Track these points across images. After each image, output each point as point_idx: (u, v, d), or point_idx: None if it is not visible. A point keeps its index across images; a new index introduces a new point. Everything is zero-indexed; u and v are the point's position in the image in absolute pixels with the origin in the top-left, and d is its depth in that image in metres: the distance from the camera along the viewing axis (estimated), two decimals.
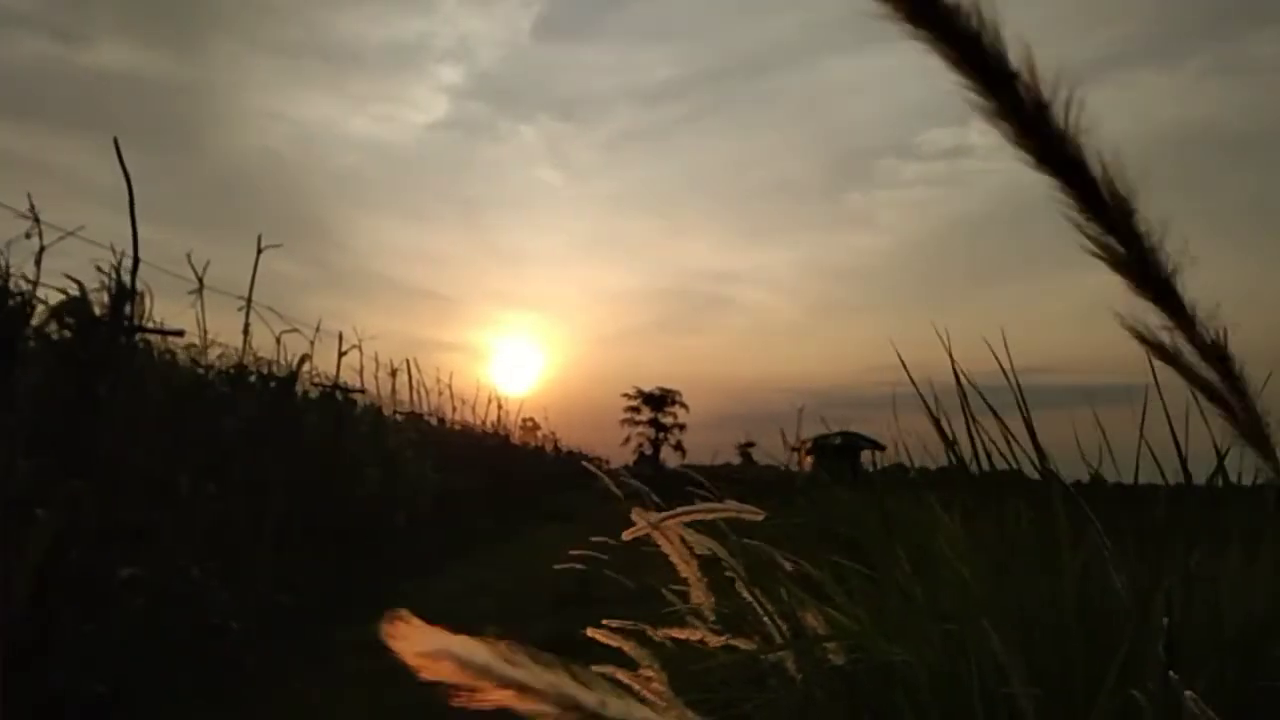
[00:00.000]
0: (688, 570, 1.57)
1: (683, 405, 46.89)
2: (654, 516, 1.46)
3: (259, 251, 5.75)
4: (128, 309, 4.05)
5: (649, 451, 46.54)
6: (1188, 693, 0.67)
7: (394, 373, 9.67)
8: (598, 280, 51.16)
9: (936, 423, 1.58)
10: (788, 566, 1.83)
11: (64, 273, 3.92)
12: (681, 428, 47.23)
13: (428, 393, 11.26)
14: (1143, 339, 0.48)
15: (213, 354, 5.42)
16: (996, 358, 1.50)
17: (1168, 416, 1.35)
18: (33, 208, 3.83)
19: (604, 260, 50.42)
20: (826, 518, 2.57)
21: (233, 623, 4.18)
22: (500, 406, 16.12)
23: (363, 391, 8.12)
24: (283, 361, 6.20)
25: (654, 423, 47.39)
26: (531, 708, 0.32)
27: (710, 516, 1.48)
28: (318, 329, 6.82)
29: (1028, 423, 1.46)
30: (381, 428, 8.33)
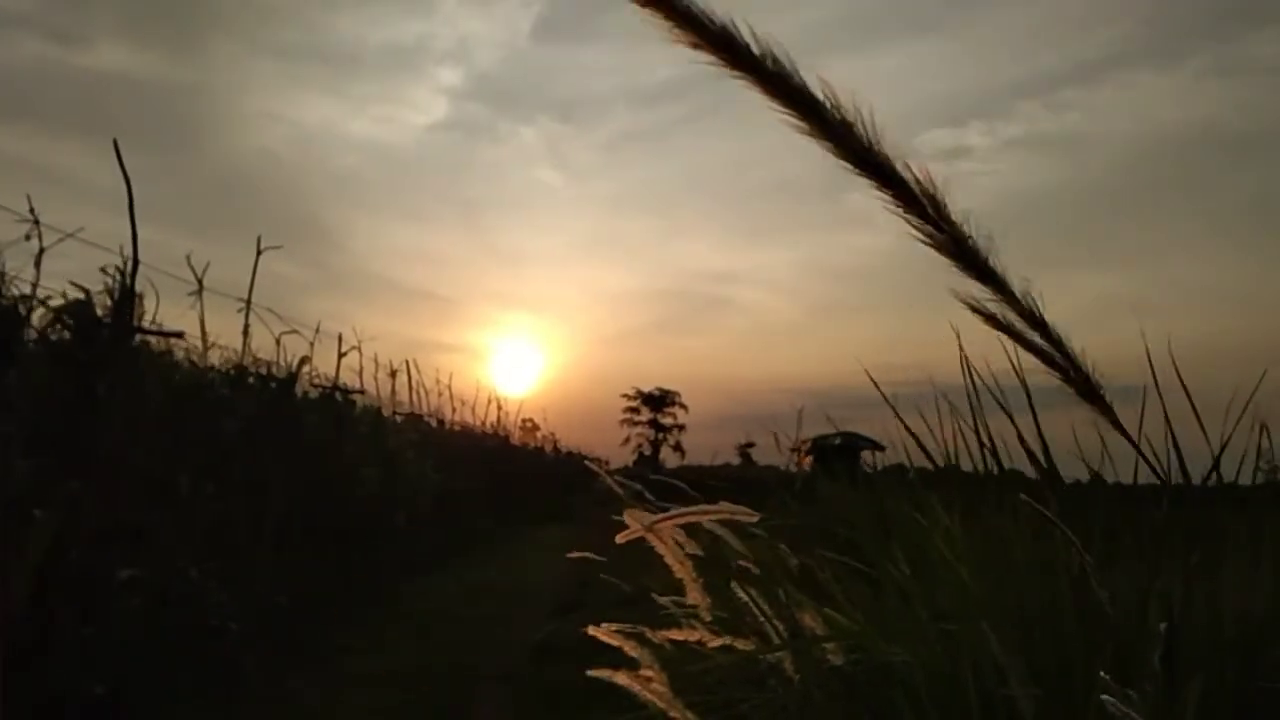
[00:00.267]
0: (683, 571, 1.57)
1: (682, 406, 46.92)
2: (648, 519, 1.46)
3: (259, 253, 5.75)
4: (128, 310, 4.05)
5: (648, 452, 46.56)
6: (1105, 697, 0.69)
7: (394, 374, 9.67)
8: (597, 281, 51.13)
9: (965, 422, 1.58)
10: (792, 563, 1.83)
11: (69, 280, 3.93)
12: (681, 428, 47.27)
13: (427, 394, 11.28)
14: (975, 309, 0.57)
15: (213, 355, 5.42)
16: (1010, 360, 1.50)
17: (1166, 418, 1.35)
18: (32, 210, 3.84)
19: (604, 261, 50.41)
20: (825, 518, 2.56)
21: (232, 623, 4.18)
22: (500, 407, 16.14)
23: (362, 392, 8.12)
24: (282, 363, 6.20)
25: (653, 423, 47.41)
26: None
27: (704, 519, 1.48)
28: (317, 330, 6.83)
29: (1035, 422, 1.46)
30: (381, 429, 8.33)
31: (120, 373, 3.90)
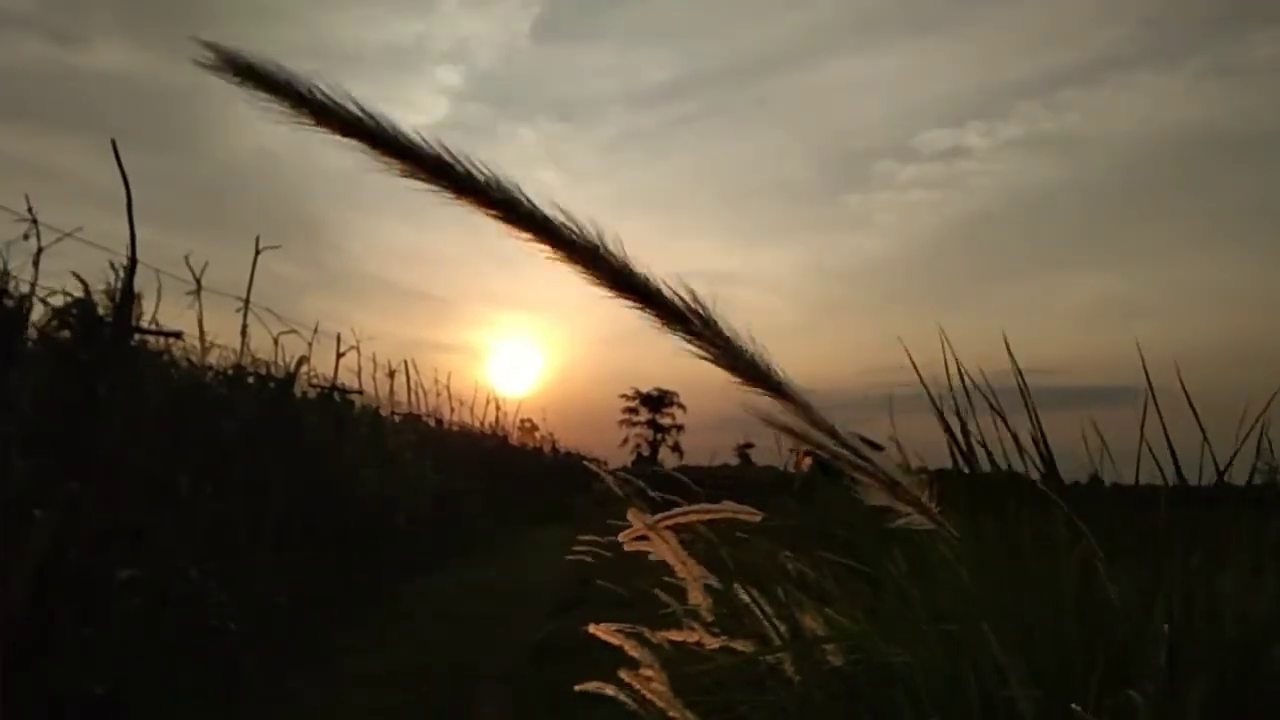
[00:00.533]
0: (685, 571, 1.57)
1: (680, 406, 46.88)
2: (649, 518, 1.46)
3: (257, 252, 5.75)
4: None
5: (647, 453, 46.54)
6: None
7: (392, 374, 9.67)
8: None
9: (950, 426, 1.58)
10: (789, 567, 1.82)
11: (72, 271, 3.93)
12: (679, 429, 47.25)
13: (426, 394, 11.27)
14: (768, 422, 0.59)
15: (211, 355, 5.42)
16: (1012, 357, 1.50)
17: (1161, 420, 1.35)
18: (30, 209, 3.84)
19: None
20: (825, 519, 2.56)
21: (232, 623, 4.17)
22: (498, 407, 16.13)
23: (361, 393, 8.11)
24: (281, 363, 6.20)
25: (652, 424, 47.39)
26: None
27: (706, 518, 1.48)
28: (316, 330, 6.83)
29: (1036, 423, 1.46)
30: (380, 429, 8.33)
31: (120, 372, 3.90)
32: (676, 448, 46.92)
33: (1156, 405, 1.33)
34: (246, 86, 0.48)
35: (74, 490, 3.43)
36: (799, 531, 2.42)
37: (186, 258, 5.15)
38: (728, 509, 1.44)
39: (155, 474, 4.17)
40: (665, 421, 47.37)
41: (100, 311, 3.95)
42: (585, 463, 3.48)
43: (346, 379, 7.65)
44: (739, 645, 1.52)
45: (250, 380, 5.78)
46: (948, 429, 1.53)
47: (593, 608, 3.39)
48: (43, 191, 3.93)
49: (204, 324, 5.29)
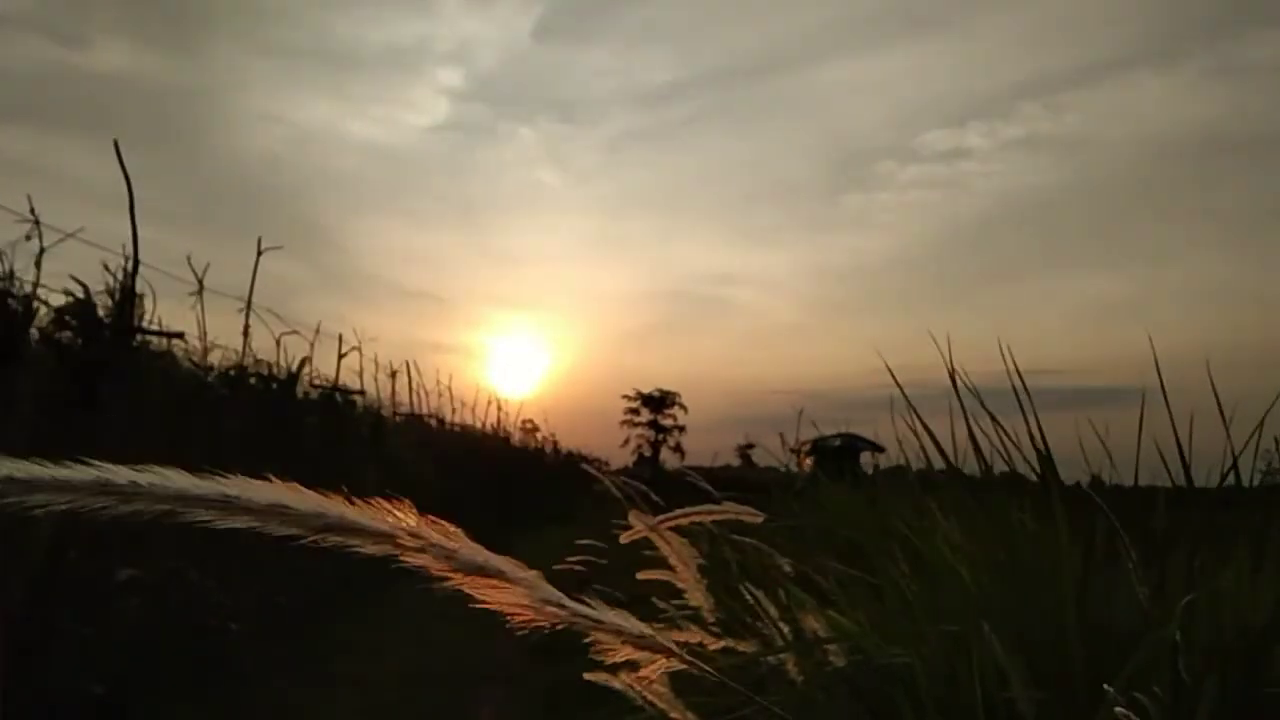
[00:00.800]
0: (686, 572, 1.56)
1: (682, 407, 46.81)
2: (651, 519, 1.46)
3: (259, 253, 5.75)
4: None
5: (648, 453, 46.51)
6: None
7: (393, 374, 9.66)
8: (597, 282, 51.05)
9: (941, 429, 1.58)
10: (786, 568, 1.82)
11: (71, 274, 3.93)
12: (681, 429, 47.22)
13: (427, 394, 11.27)
14: None
15: (213, 356, 5.42)
16: (1011, 358, 1.50)
17: (1171, 420, 1.35)
18: (33, 210, 3.84)
19: (604, 262, 50.33)
20: (826, 520, 2.56)
21: (231, 624, 4.18)
22: (500, 408, 16.14)
23: (362, 393, 8.11)
24: (283, 363, 6.19)
25: (653, 424, 47.35)
26: None
27: (709, 519, 1.48)
28: (317, 331, 6.82)
29: (1036, 424, 1.46)
30: (381, 429, 8.32)
31: (122, 373, 3.91)
32: (678, 448, 46.90)
33: (1168, 405, 1.33)
34: None
35: None
36: (800, 532, 2.42)
37: (188, 258, 5.16)
38: (729, 510, 1.44)
39: None
40: (667, 422, 47.35)
41: (101, 312, 3.95)
42: (584, 465, 3.48)
43: (348, 380, 7.65)
44: (740, 646, 1.52)
45: (252, 381, 5.78)
46: (929, 431, 1.53)
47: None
48: (45, 192, 3.93)
49: (206, 324, 5.30)
